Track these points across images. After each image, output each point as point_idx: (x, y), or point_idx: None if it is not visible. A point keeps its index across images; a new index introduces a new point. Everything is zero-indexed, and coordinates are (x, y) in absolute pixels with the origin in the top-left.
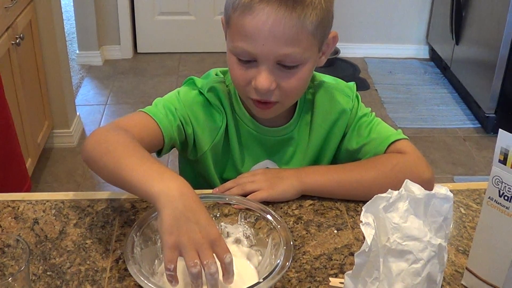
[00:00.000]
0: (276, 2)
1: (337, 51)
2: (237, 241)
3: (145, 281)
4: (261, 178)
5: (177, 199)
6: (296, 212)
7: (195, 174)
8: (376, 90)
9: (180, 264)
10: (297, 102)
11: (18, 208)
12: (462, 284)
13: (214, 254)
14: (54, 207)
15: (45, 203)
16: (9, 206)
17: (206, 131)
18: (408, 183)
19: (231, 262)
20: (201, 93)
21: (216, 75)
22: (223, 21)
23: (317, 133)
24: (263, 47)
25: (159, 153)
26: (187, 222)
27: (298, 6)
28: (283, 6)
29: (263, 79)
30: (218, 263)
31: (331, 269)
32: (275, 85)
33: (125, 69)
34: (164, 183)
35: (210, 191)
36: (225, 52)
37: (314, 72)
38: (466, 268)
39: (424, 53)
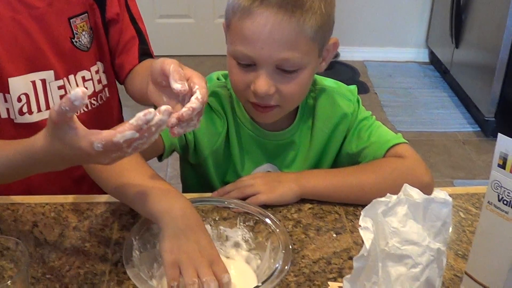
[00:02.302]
0: (276, 6)
1: (336, 54)
2: (236, 244)
3: (144, 285)
4: (260, 182)
5: (179, 219)
6: (295, 215)
7: (196, 177)
8: (375, 93)
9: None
10: (298, 106)
11: (18, 211)
12: None
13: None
14: (54, 210)
15: (44, 206)
16: (8, 208)
17: (206, 136)
18: (407, 187)
19: (229, 283)
20: None
21: (218, 79)
22: (224, 25)
23: (318, 137)
24: (262, 51)
25: (160, 158)
26: (188, 242)
27: (297, 10)
28: (282, 10)
29: (262, 83)
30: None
31: (330, 273)
32: (274, 89)
33: None
34: (167, 202)
35: (210, 194)
36: (225, 55)
37: (316, 76)
38: (465, 273)
39: (423, 56)
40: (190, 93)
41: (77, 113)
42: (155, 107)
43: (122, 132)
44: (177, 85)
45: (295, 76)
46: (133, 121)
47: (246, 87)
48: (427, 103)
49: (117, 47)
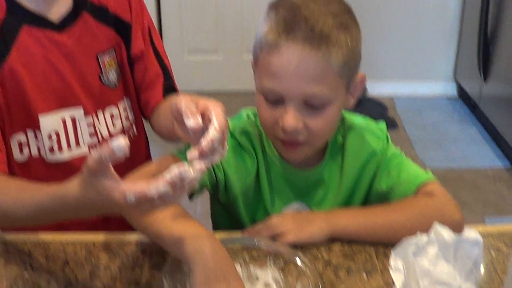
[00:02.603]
0: (301, 41)
1: (364, 90)
2: (266, 285)
3: None
4: (290, 221)
5: (209, 260)
6: (325, 255)
7: (226, 215)
8: (404, 129)
9: None
10: (327, 143)
11: (49, 249)
12: None
13: None
14: (84, 248)
15: (75, 244)
16: (40, 245)
17: (237, 175)
18: (437, 226)
19: None
20: (232, 135)
21: (248, 116)
22: (252, 61)
23: (348, 175)
24: (289, 85)
25: (191, 196)
26: (218, 283)
27: (323, 45)
28: (308, 45)
29: (290, 118)
30: None
31: None
32: (302, 125)
33: None
34: (198, 243)
35: (239, 233)
36: (253, 92)
37: (345, 113)
38: None
39: (452, 90)
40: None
41: None
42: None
43: (156, 187)
44: (189, 122)
45: (323, 112)
46: (168, 176)
47: (275, 124)
48: (457, 138)
49: (142, 83)
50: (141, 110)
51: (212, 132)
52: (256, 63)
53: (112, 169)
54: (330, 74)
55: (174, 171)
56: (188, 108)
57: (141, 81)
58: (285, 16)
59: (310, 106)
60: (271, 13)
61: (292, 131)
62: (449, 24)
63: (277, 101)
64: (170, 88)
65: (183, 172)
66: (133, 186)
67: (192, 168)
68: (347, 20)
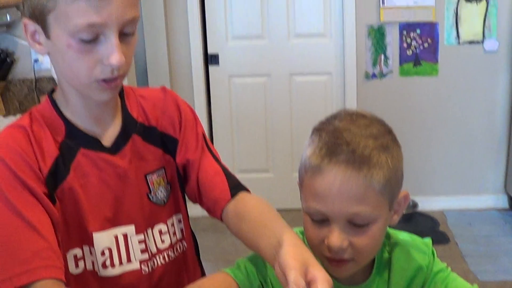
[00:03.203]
0: (344, 163)
1: (415, 205)
2: None
3: None
4: None
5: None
6: None
7: None
8: (456, 243)
9: None
10: (374, 260)
11: None
12: None
13: None
14: None
15: None
16: None
17: None
18: None
19: None
20: None
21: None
22: (298, 183)
23: None
24: (333, 206)
25: None
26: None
27: (364, 166)
28: (350, 167)
29: (335, 238)
30: None
31: None
32: (347, 243)
33: (205, 226)
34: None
35: None
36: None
37: (390, 230)
38: None
39: (503, 203)
40: None
41: (155, 265)
42: None
43: None
44: None
45: (367, 230)
46: None
47: (321, 242)
48: (509, 250)
49: (204, 185)
50: (208, 211)
51: None
52: (301, 185)
53: None
54: (372, 194)
55: None
56: (296, 283)
57: (202, 183)
58: (328, 140)
59: (355, 224)
60: (315, 138)
61: (338, 249)
62: (497, 137)
63: (322, 220)
64: (236, 186)
65: None
66: None
67: None
68: (388, 141)
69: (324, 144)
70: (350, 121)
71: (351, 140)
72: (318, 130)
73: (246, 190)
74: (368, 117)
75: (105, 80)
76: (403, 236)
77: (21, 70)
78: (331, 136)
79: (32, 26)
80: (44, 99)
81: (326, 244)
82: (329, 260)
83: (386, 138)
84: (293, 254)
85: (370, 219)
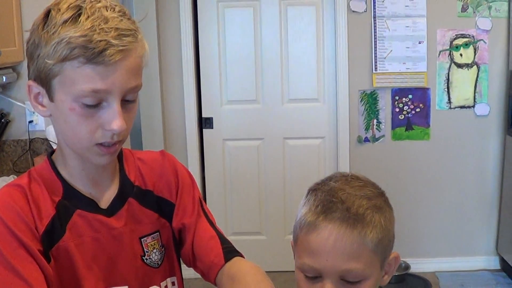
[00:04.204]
0: (338, 220)
1: (407, 267)
2: None
3: None
4: None
5: None
6: None
7: None
8: None
9: None
10: None
11: None
12: None
13: None
14: None
15: None
16: None
17: None
18: None
19: None
20: None
21: None
22: (292, 242)
23: None
24: (327, 262)
25: None
26: None
27: (358, 224)
28: (344, 224)
29: None
30: None
31: None
32: None
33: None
34: None
35: None
36: (294, 271)
37: None
38: None
39: (494, 264)
40: None
41: None
42: None
43: None
44: None
45: (359, 285)
46: None
47: None
48: None
49: (199, 250)
50: (202, 275)
51: None
52: (295, 243)
53: None
54: (365, 251)
55: None
56: None
57: (197, 248)
58: (323, 198)
59: (347, 282)
60: (310, 197)
61: None
62: (489, 199)
63: (315, 277)
64: (231, 251)
65: None
66: None
67: None
68: (381, 203)
69: (320, 202)
70: (345, 182)
71: (346, 199)
72: (314, 190)
73: (240, 255)
74: (362, 179)
75: (104, 145)
76: None
77: (16, 131)
78: (326, 195)
79: (36, 88)
80: (42, 160)
81: None
82: None
83: (379, 199)
84: None
85: (362, 277)
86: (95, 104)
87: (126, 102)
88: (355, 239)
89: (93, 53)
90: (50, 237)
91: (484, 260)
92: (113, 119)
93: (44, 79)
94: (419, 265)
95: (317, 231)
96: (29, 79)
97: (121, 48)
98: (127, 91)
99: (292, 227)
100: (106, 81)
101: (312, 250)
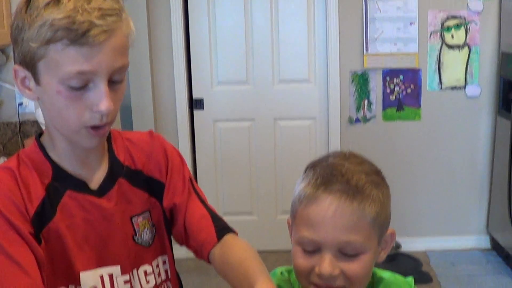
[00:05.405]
0: (338, 192)
1: (398, 246)
2: None
3: None
4: None
5: None
6: None
7: None
8: (439, 283)
9: None
10: None
11: None
12: None
13: None
14: None
15: None
16: None
17: None
18: None
19: None
20: None
21: (282, 273)
22: (289, 221)
23: None
24: (326, 234)
25: None
26: None
27: (358, 196)
28: (344, 195)
29: (326, 265)
30: None
31: None
32: (338, 271)
33: (190, 268)
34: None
35: None
36: (287, 251)
37: (374, 268)
38: None
39: (485, 243)
40: None
41: None
42: None
43: None
44: None
45: (358, 259)
46: None
47: (310, 271)
48: None
49: (190, 229)
50: (195, 253)
51: None
52: (294, 218)
53: None
54: (364, 224)
55: None
56: None
57: (189, 227)
58: (323, 172)
59: (345, 254)
60: (309, 172)
61: (328, 276)
62: (479, 179)
63: (313, 251)
64: (223, 228)
65: None
66: None
67: None
68: (378, 180)
69: (319, 175)
70: (343, 158)
71: (345, 172)
72: (313, 166)
73: (233, 231)
74: (359, 157)
75: (93, 127)
76: (385, 274)
77: (5, 114)
78: (326, 169)
79: (22, 72)
80: (32, 142)
81: (317, 272)
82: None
83: (377, 177)
84: None
85: (361, 250)
86: (82, 86)
87: (113, 83)
88: (355, 210)
89: (76, 35)
90: (41, 219)
91: (475, 239)
92: (101, 100)
93: (29, 63)
94: (410, 244)
95: (317, 202)
96: (15, 63)
97: (105, 28)
98: (113, 71)
99: (285, 206)
100: (92, 62)
101: (312, 222)
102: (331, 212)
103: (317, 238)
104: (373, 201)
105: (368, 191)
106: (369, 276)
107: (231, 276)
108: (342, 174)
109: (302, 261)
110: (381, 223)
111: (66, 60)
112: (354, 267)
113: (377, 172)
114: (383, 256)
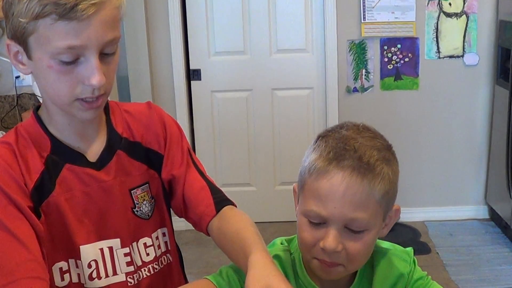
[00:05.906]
0: (350, 168)
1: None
2: None
3: None
4: None
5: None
6: None
7: None
8: (437, 253)
9: None
10: None
11: None
12: None
13: None
14: None
15: None
16: None
17: None
18: None
19: None
20: None
21: (281, 243)
22: (295, 188)
23: None
24: (334, 210)
25: None
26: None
27: (369, 174)
28: (355, 172)
29: (331, 240)
30: None
31: None
32: (341, 247)
33: (189, 240)
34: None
35: None
36: (286, 221)
37: None
38: None
39: (483, 213)
40: None
41: (140, 278)
42: None
43: None
44: None
45: (362, 236)
46: None
47: (314, 244)
48: (490, 259)
49: (189, 201)
50: (194, 225)
51: None
52: (302, 188)
53: None
54: (372, 202)
55: None
56: None
57: (188, 198)
58: (335, 145)
59: (350, 230)
60: (320, 143)
61: (332, 252)
62: (477, 149)
63: (319, 223)
64: (222, 200)
65: None
66: None
67: None
68: (389, 156)
69: (332, 148)
70: (356, 131)
71: (358, 148)
72: (324, 136)
73: (231, 203)
74: (372, 131)
75: (86, 100)
76: (385, 245)
77: (3, 87)
78: (338, 142)
79: (14, 47)
80: (30, 115)
81: (321, 246)
82: (321, 262)
83: (388, 152)
84: (257, 277)
85: (366, 227)
86: (73, 60)
87: (105, 56)
88: (364, 188)
89: (64, 9)
90: (40, 192)
91: (473, 210)
92: (92, 74)
93: (20, 38)
94: (408, 215)
95: (328, 177)
96: (7, 38)
97: (93, 1)
98: (104, 44)
99: (284, 178)
100: (81, 37)
101: (321, 196)
102: (342, 189)
103: (324, 213)
104: (383, 179)
105: (379, 169)
106: (369, 255)
107: (228, 247)
108: (355, 149)
109: (307, 234)
110: (388, 201)
111: (56, 35)
112: (357, 246)
113: (388, 147)
114: (385, 231)
